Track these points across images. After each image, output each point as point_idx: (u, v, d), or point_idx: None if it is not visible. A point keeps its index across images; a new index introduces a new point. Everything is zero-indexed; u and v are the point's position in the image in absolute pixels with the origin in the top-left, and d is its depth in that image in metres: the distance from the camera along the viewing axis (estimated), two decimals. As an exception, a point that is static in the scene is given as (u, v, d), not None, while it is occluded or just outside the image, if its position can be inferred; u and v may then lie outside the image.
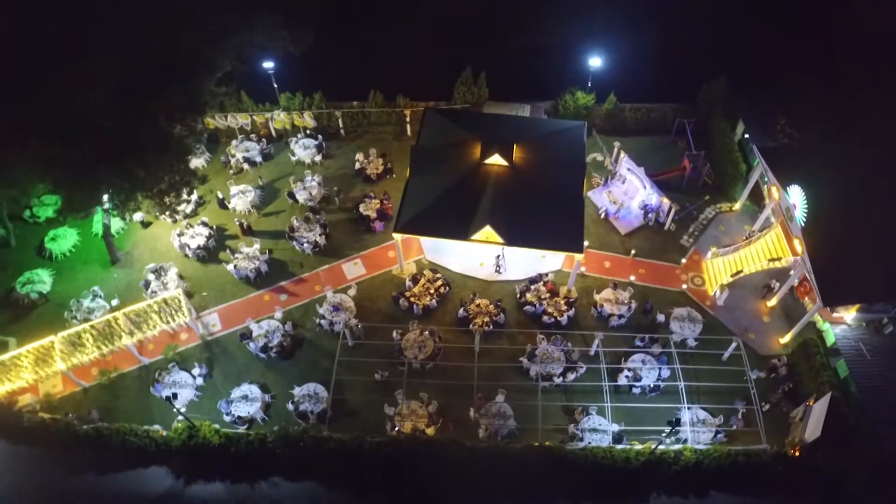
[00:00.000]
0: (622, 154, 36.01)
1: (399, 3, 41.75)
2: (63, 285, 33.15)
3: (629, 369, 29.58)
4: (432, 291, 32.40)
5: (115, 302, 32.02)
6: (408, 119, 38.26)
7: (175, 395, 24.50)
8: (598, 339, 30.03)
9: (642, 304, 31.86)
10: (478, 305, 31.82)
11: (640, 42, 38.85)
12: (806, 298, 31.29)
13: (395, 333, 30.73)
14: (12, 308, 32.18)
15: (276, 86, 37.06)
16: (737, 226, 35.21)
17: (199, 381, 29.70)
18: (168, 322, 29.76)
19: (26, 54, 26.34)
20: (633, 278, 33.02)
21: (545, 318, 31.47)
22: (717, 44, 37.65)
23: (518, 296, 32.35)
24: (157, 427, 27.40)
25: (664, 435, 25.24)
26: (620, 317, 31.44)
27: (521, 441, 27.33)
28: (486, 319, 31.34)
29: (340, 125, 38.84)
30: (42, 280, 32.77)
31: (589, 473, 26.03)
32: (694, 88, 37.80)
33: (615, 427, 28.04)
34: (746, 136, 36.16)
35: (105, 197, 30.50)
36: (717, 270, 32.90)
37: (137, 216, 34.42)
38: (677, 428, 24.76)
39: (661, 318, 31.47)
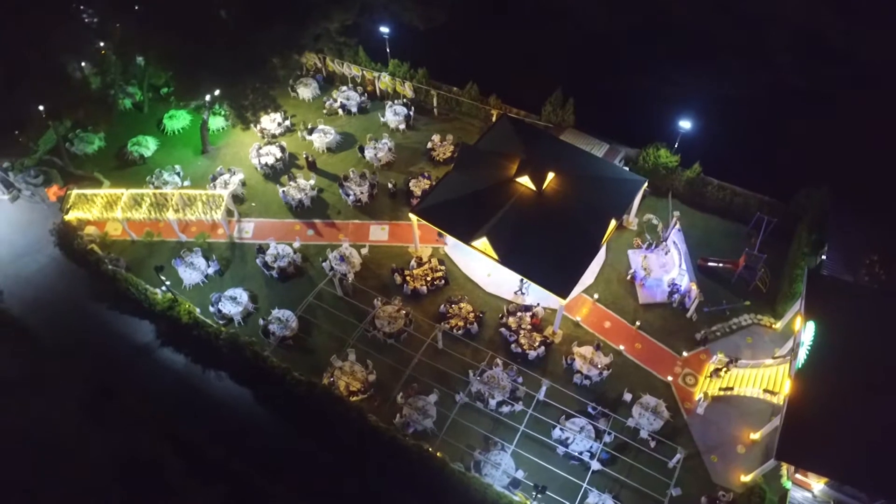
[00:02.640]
0: (677, 225, 33.95)
1: (533, 13, 42.40)
2: (160, 155, 39.64)
3: (562, 429, 28.81)
4: (429, 279, 33.75)
5: (186, 183, 37.71)
6: (494, 118, 39.14)
7: (161, 268, 29.02)
8: (545, 387, 29.53)
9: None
10: (460, 308, 32.64)
11: (750, 120, 35.85)
12: (787, 447, 27.75)
13: (376, 301, 32.76)
14: (119, 159, 39.33)
15: (388, 50, 39.99)
16: (768, 345, 31.72)
17: (210, 271, 34.29)
18: (206, 214, 34.60)
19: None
20: (622, 348, 31.57)
21: (514, 346, 31.44)
22: (831, 147, 33.60)
23: (501, 316, 32.55)
24: (156, 290, 32.38)
25: (533, 496, 24.71)
26: (586, 378, 30.41)
27: (425, 443, 28.17)
28: (461, 324, 32.11)
29: (434, 104, 40.87)
30: (147, 146, 39.51)
31: (457, 497, 26.30)
32: (791, 188, 34.09)
33: (519, 473, 27.77)
34: (824, 257, 32.13)
35: (207, 97, 35.94)
36: (713, 379, 30.26)
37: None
38: (541, 494, 24.07)
39: (627, 397, 29.94)
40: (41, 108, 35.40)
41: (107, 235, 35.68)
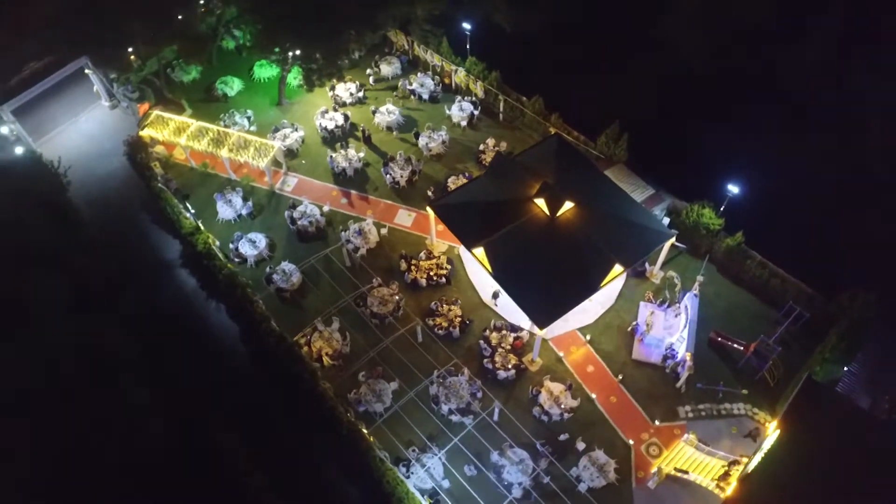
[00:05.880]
0: (695, 290, 31.95)
1: (630, 40, 40.94)
2: (241, 98, 42.92)
3: (500, 455, 28.41)
4: (431, 274, 34.18)
5: (252, 128, 40.63)
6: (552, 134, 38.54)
7: (187, 196, 31.74)
8: (497, 409, 29.23)
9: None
10: (449, 309, 32.85)
11: (818, 200, 32.89)
12: (722, 551, 25.63)
13: (374, 280, 33.77)
14: (207, 93, 43.03)
15: (468, 46, 40.41)
16: (753, 442, 29.15)
17: (243, 212, 36.87)
18: (254, 159, 37.13)
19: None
20: (594, 396, 30.41)
21: (487, 362, 31.24)
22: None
23: (485, 329, 32.36)
24: (187, 214, 35.31)
25: (428, 504, 24.90)
26: (546, 414, 29.64)
27: (363, 423, 28.95)
28: (444, 325, 32.35)
29: (500, 109, 40.84)
30: (232, 87, 42.92)
31: (369, 483, 26.91)
32: (840, 285, 30.81)
33: (445, 482, 27.87)
34: (846, 368, 28.95)
35: (290, 53, 38.41)
36: (677, 456, 28.44)
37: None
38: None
39: (580, 446, 28.90)
40: (153, 34, 39.58)
41: (171, 157, 39.38)
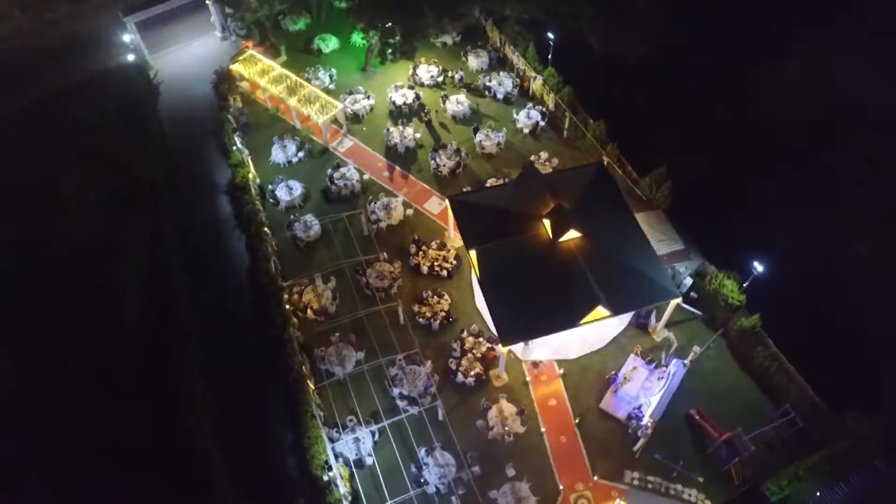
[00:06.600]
0: (689, 358, 29.92)
1: (718, 88, 38.40)
2: (333, 56, 45.35)
3: (428, 453, 28.54)
4: (435, 264, 34.54)
5: (331, 87, 42.85)
6: (605, 163, 37.16)
7: (236, 130, 34.43)
8: (441, 410, 29.30)
9: None
10: (438, 301, 33.15)
11: (861, 299, 29.60)
12: None
13: (381, 256, 34.76)
14: (305, 45, 45.86)
15: (549, 57, 39.79)
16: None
17: (295, 159, 39.24)
18: (316, 114, 39.23)
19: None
20: (543, 430, 29.56)
21: (451, 361, 31.29)
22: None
23: (462, 330, 32.28)
24: (241, 149, 38.08)
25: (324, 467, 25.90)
26: (490, 429, 29.27)
27: (315, 380, 30.23)
28: (428, 315, 32.72)
29: (566, 126, 39.94)
30: (328, 44, 45.44)
31: (292, 435, 28.20)
32: (852, 399, 27.53)
33: (368, 458, 28.57)
34: (818, 493, 25.94)
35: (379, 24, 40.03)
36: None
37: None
38: (329, 470, 24.81)
39: (510, 472, 28.32)
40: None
41: (252, 95, 42.61)
